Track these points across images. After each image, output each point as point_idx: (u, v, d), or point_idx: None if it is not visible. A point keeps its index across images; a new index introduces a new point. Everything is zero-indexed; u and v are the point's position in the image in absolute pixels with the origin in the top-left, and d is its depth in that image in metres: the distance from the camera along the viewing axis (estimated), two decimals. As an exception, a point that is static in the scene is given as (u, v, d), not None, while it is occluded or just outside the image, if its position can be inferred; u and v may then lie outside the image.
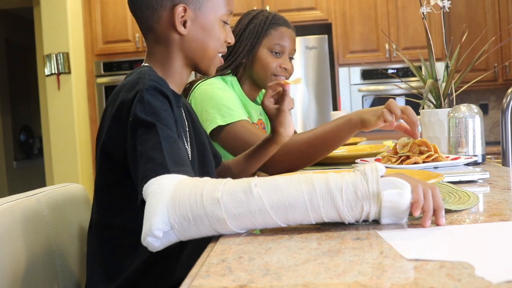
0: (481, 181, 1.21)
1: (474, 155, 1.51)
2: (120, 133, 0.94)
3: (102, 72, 4.53)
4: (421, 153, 1.35)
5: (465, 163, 1.36)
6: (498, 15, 4.49)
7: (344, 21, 4.46)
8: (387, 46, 4.38)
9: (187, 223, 0.76)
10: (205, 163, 1.23)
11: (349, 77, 4.46)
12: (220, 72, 1.74)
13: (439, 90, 1.70)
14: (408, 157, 1.34)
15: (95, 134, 1.07)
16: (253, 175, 1.73)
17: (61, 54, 4.32)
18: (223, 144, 1.57)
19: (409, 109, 1.24)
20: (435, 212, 0.76)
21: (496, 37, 4.30)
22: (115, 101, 0.98)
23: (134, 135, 0.90)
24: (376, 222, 0.79)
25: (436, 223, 0.77)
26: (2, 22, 6.16)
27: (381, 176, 0.76)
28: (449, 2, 1.69)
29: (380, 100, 4.32)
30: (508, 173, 1.36)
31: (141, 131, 0.90)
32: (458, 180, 1.19)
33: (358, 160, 1.45)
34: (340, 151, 1.73)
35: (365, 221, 0.79)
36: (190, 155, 1.10)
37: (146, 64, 1.10)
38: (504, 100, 1.58)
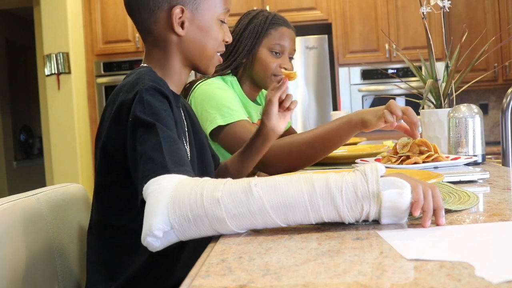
0: (481, 181, 1.21)
1: (474, 155, 1.51)
2: (120, 133, 0.94)
3: (102, 72, 4.53)
4: (421, 153, 1.35)
5: (465, 163, 1.36)
6: (498, 15, 4.49)
7: (344, 21, 4.46)
8: (387, 46, 4.38)
9: (187, 223, 0.76)
10: (205, 163, 1.23)
11: (349, 77, 4.46)
12: (220, 72, 1.74)
13: (439, 90, 1.70)
14: (408, 157, 1.34)
15: (95, 134, 1.08)
16: (253, 175, 1.73)
17: (61, 54, 4.32)
18: (223, 144, 1.57)
19: (410, 109, 1.24)
20: (435, 212, 0.76)
21: (496, 37, 4.30)
22: (114, 102, 0.98)
23: (134, 136, 0.90)
24: (376, 222, 0.79)
25: (436, 223, 0.77)
26: (2, 22, 6.16)
27: (381, 176, 0.76)
28: (449, 2, 1.69)
29: (380, 100, 4.32)
30: (508, 173, 1.36)
31: (141, 131, 0.90)
32: (458, 180, 1.19)
33: (358, 160, 1.45)
34: (340, 151, 1.72)
35: (365, 221, 0.79)
36: (189, 155, 1.10)
37: (145, 65, 1.11)
38: (504, 100, 1.58)
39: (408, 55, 1.92)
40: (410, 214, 0.77)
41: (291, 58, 1.80)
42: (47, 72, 4.37)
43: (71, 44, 4.36)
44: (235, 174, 1.36)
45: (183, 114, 1.16)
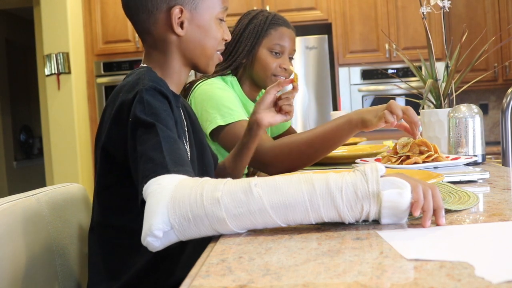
0: (481, 181, 1.21)
1: (474, 155, 1.51)
2: (120, 133, 0.94)
3: (102, 72, 4.53)
4: (421, 153, 1.35)
5: (465, 163, 1.36)
6: (498, 15, 4.49)
7: (344, 21, 4.46)
8: (387, 46, 4.38)
9: (187, 223, 0.76)
10: (205, 163, 1.23)
11: (349, 77, 4.46)
12: (220, 72, 1.74)
13: (439, 90, 1.70)
14: (408, 157, 1.34)
15: (95, 134, 1.08)
16: (253, 175, 1.73)
17: (61, 54, 4.32)
18: (223, 144, 1.57)
19: (410, 109, 1.24)
20: (435, 212, 0.76)
21: (496, 37, 4.30)
22: (114, 102, 0.98)
23: (134, 136, 0.90)
24: (376, 222, 0.79)
25: (436, 223, 0.77)
26: (2, 22, 6.16)
27: (381, 176, 0.76)
28: (449, 2, 1.69)
29: (380, 100, 4.32)
30: (508, 173, 1.36)
31: (141, 131, 0.90)
32: (458, 180, 1.19)
33: (358, 160, 1.45)
34: (340, 151, 1.72)
35: (365, 221, 0.79)
36: (189, 155, 1.10)
37: (145, 65, 1.11)
38: (504, 100, 1.58)
39: (408, 55, 1.92)
40: (410, 214, 0.77)
41: (291, 58, 1.80)
42: (47, 72, 4.37)
43: (71, 44, 4.36)
44: (232, 172, 1.36)
45: (183, 114, 1.16)
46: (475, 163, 1.51)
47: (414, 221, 0.80)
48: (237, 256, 0.67)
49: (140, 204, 0.82)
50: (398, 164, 1.33)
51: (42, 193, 1.10)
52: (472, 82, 1.91)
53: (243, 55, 1.74)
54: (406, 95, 4.18)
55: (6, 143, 6.16)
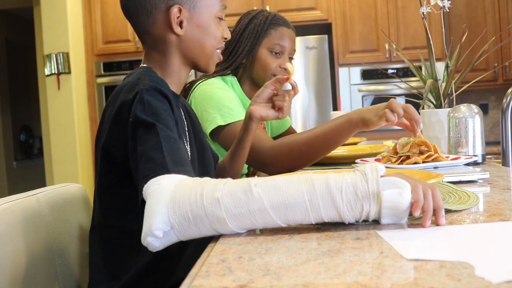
0: (481, 181, 1.21)
1: (474, 155, 1.51)
2: (121, 134, 0.94)
3: (102, 72, 4.53)
4: (421, 153, 1.35)
5: (465, 163, 1.36)
6: (498, 15, 4.49)
7: (344, 21, 4.46)
8: (387, 46, 4.38)
9: (187, 223, 0.76)
10: (205, 163, 1.23)
11: (349, 77, 4.46)
12: (220, 72, 1.74)
13: (439, 90, 1.70)
14: (408, 157, 1.34)
15: (95, 134, 1.08)
16: (253, 175, 1.73)
17: (61, 54, 4.32)
18: (223, 144, 1.57)
19: (411, 107, 1.23)
20: (435, 212, 0.76)
21: (496, 37, 4.30)
22: (115, 102, 0.98)
23: (134, 136, 0.90)
24: (376, 222, 0.79)
25: (436, 223, 0.77)
26: (2, 22, 6.16)
27: (381, 176, 0.76)
28: (449, 2, 1.69)
29: (380, 100, 4.32)
30: (508, 173, 1.36)
31: (141, 131, 0.90)
32: (458, 180, 1.19)
33: (358, 160, 1.45)
34: (340, 151, 1.72)
35: (365, 221, 0.79)
36: (189, 155, 1.10)
37: (145, 65, 1.11)
38: (504, 100, 1.58)
39: (408, 55, 1.92)
40: (410, 214, 0.77)
41: (291, 58, 1.80)
42: (47, 72, 4.37)
43: (71, 44, 4.36)
44: (230, 171, 1.35)
45: (183, 114, 1.16)
46: (475, 163, 1.51)
47: (414, 221, 0.80)
48: (237, 256, 0.67)
49: (140, 204, 0.82)
50: (398, 164, 1.33)
51: (42, 193, 1.10)
52: (472, 82, 1.91)
53: (243, 55, 1.74)
54: (406, 95, 4.18)
55: (6, 143, 6.16)
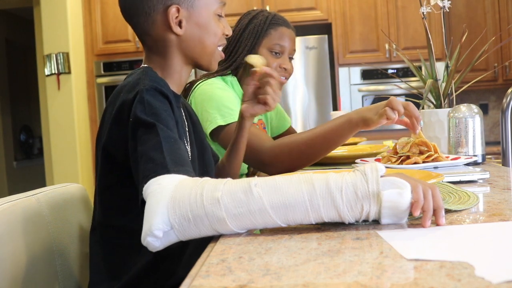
0: (481, 181, 1.21)
1: (474, 155, 1.51)
2: (121, 134, 0.95)
3: (102, 72, 4.53)
4: (421, 153, 1.35)
5: (465, 163, 1.36)
6: (498, 15, 4.49)
7: (344, 21, 4.46)
8: (387, 46, 4.38)
9: (187, 223, 0.76)
10: (205, 163, 1.23)
11: (349, 77, 4.46)
12: (221, 72, 1.74)
13: (439, 90, 1.70)
14: (408, 157, 1.34)
15: (95, 134, 1.08)
16: (253, 175, 1.73)
17: (61, 54, 4.32)
18: (223, 144, 1.57)
19: (411, 104, 1.23)
20: (435, 212, 0.76)
21: (496, 37, 4.30)
22: (115, 102, 0.98)
23: (134, 136, 0.90)
24: (376, 222, 0.79)
25: (436, 223, 0.77)
26: (2, 22, 6.16)
27: (381, 176, 0.76)
28: (449, 2, 1.69)
29: (380, 100, 4.29)
30: (508, 173, 1.36)
31: (141, 131, 0.90)
32: (458, 180, 1.19)
33: (358, 160, 1.45)
34: (340, 151, 1.72)
35: (365, 221, 0.79)
36: (190, 155, 1.10)
37: (146, 65, 1.10)
38: (504, 100, 1.59)
39: (408, 55, 1.92)
40: (410, 214, 0.77)
41: (291, 58, 1.80)
42: (47, 72, 4.37)
43: (71, 44, 4.36)
44: (228, 170, 1.35)
45: (183, 114, 1.16)
46: (475, 163, 1.51)
47: (414, 221, 0.80)
48: (237, 256, 0.67)
49: (140, 204, 0.82)
50: (398, 164, 1.33)
51: (42, 193, 1.10)
52: (472, 82, 1.91)
53: (243, 55, 1.74)
54: (406, 95, 4.18)
55: (6, 143, 6.16)
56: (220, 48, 1.15)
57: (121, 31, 4.51)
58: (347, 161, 1.61)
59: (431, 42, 1.74)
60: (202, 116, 1.57)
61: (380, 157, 1.44)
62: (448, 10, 1.72)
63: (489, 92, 4.86)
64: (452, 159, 1.38)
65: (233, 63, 1.76)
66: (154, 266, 1.01)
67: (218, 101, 1.58)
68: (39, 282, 1.02)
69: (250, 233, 0.79)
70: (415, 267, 0.58)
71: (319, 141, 1.37)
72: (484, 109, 4.83)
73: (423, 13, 1.74)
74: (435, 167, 1.31)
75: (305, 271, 0.59)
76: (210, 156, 1.28)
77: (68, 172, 4.37)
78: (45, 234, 1.06)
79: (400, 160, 1.35)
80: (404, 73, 4.38)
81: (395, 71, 4.39)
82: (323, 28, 4.58)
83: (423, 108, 1.75)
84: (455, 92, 1.73)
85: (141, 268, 1.01)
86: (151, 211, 0.77)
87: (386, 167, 0.97)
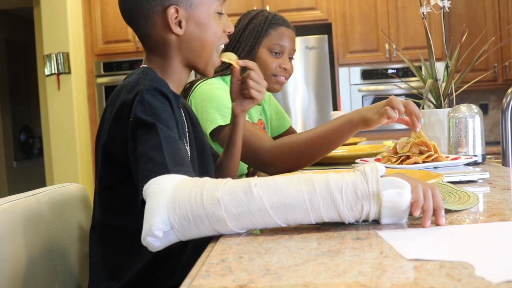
0: (481, 181, 1.21)
1: (474, 155, 1.51)
2: (121, 133, 0.95)
3: (102, 72, 4.53)
4: (421, 153, 1.35)
5: (465, 163, 1.36)
6: (498, 15, 4.49)
7: (344, 21, 4.46)
8: (387, 46, 4.38)
9: (187, 223, 0.76)
10: (205, 163, 1.23)
11: (349, 77, 4.46)
12: (220, 72, 1.74)
13: (439, 90, 1.70)
14: (408, 157, 1.34)
15: (95, 134, 1.08)
16: (253, 175, 1.73)
17: (61, 54, 4.32)
18: (223, 144, 1.57)
19: (411, 103, 1.23)
20: (435, 212, 0.76)
21: (496, 37, 4.30)
22: (115, 102, 0.98)
23: (134, 136, 0.90)
24: (376, 222, 0.79)
25: (436, 223, 0.77)
26: (2, 22, 6.16)
27: (381, 176, 0.76)
28: (449, 2, 1.69)
29: (380, 100, 4.30)
30: (508, 173, 1.36)
31: (141, 131, 0.90)
32: (458, 180, 1.19)
33: (358, 160, 1.45)
34: (340, 151, 1.72)
35: (365, 221, 0.79)
36: (189, 155, 1.10)
37: (146, 65, 1.10)
38: (504, 100, 1.59)
39: (408, 55, 1.92)
40: (410, 214, 0.77)
41: (291, 58, 1.80)
42: (47, 72, 4.37)
43: (71, 44, 4.36)
44: (226, 169, 1.35)
45: (183, 114, 1.16)
46: (475, 163, 1.51)
47: (414, 221, 0.80)
48: (237, 256, 0.67)
49: (140, 204, 0.82)
50: (398, 164, 1.33)
51: (42, 193, 1.10)
52: (472, 82, 1.91)
53: (243, 55, 1.74)
54: (406, 95, 4.18)
55: (6, 143, 6.16)
56: (222, 46, 1.15)
57: (121, 31, 4.51)
58: (347, 161, 1.61)
59: (431, 42, 1.74)
60: (202, 116, 1.57)
61: (380, 157, 1.45)
62: (448, 10, 1.72)
63: (489, 92, 4.86)
64: (452, 159, 1.38)
65: (233, 63, 1.75)
66: (154, 266, 1.01)
67: (218, 101, 1.58)
68: (39, 282, 1.02)
69: (250, 233, 0.79)
70: (415, 267, 0.58)
71: (319, 141, 1.37)
72: (484, 109, 4.83)
73: (423, 13, 1.74)
74: (435, 167, 1.31)
75: (305, 271, 0.59)
76: (210, 157, 1.28)
77: (68, 172, 4.37)
78: (45, 234, 1.06)
79: (400, 160, 1.35)
80: (404, 73, 4.38)
81: (395, 71, 4.39)
82: (323, 28, 4.58)
83: (423, 108, 1.75)
84: (455, 92, 1.73)
85: (141, 268, 1.01)
86: (151, 211, 0.77)
87: (386, 167, 0.97)
